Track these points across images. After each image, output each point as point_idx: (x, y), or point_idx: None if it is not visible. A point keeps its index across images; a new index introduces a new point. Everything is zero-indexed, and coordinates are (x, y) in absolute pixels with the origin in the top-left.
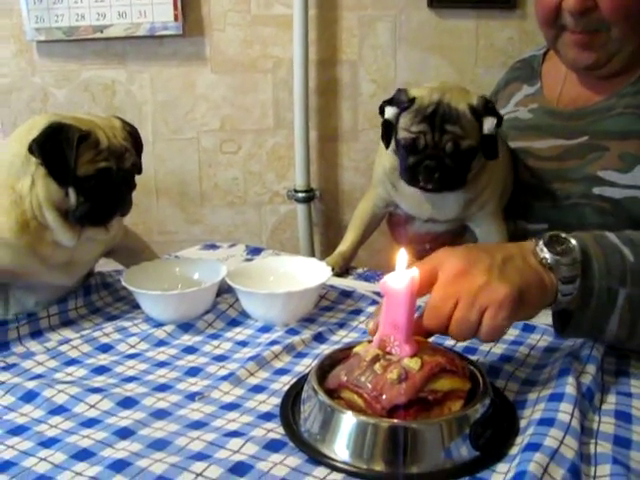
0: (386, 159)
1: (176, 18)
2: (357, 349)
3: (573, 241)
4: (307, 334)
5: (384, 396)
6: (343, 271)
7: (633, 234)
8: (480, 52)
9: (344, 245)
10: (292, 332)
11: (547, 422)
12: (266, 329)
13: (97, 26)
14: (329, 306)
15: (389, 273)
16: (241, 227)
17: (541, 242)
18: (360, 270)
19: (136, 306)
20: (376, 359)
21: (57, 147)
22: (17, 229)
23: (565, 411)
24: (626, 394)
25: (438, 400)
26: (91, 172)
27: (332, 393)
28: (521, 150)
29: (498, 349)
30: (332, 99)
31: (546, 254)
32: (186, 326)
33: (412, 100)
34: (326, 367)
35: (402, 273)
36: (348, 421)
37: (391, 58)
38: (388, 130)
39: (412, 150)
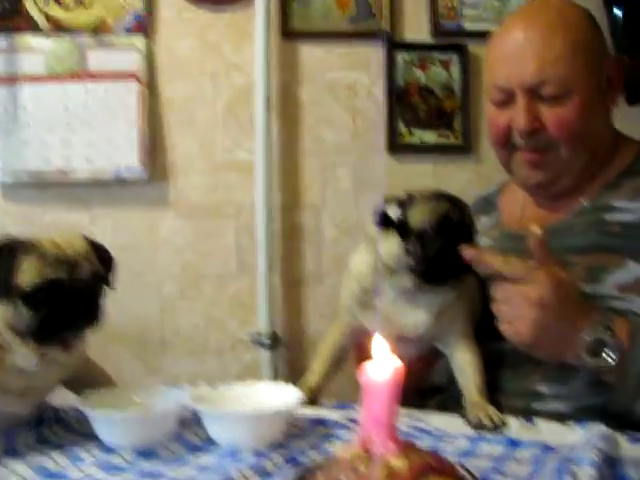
0: (354, 282)
1: (141, 163)
2: (336, 450)
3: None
4: (278, 458)
5: None
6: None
7: None
8: None
9: (311, 376)
10: (261, 455)
11: None
12: (232, 455)
13: (63, 170)
14: (299, 434)
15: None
16: (202, 376)
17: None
18: (330, 403)
19: (90, 436)
20: (358, 459)
21: None
22: None
23: None
24: None
25: None
26: (37, 283)
27: None
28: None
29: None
30: (295, 244)
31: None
32: (146, 453)
33: None
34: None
35: (383, 363)
36: None
37: (353, 202)
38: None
39: None
